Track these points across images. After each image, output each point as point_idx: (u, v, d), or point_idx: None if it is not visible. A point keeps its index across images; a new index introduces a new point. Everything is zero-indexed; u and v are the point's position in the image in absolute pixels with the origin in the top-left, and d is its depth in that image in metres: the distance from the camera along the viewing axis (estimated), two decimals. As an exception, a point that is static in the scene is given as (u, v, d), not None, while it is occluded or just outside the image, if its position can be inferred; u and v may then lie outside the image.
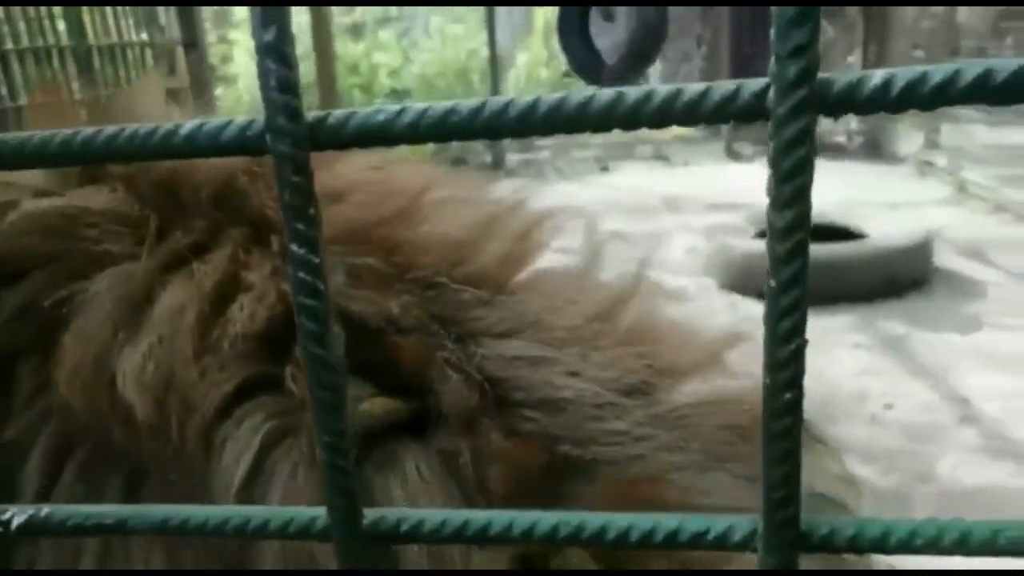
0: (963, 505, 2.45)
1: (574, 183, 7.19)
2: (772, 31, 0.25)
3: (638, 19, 4.06)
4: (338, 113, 0.23)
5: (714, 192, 6.03)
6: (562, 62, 7.09)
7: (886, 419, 2.94)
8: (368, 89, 10.25)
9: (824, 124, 6.43)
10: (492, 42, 7.36)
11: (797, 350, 0.21)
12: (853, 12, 7.04)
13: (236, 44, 10.80)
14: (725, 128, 6.49)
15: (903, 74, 0.26)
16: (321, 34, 5.74)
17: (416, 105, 0.23)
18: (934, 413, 2.95)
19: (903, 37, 6.09)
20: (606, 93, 0.24)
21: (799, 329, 0.21)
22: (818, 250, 4.09)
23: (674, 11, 8.65)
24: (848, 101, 0.26)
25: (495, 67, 7.38)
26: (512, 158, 7.75)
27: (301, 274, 0.22)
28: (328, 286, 0.22)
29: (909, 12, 6.14)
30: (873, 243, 4.21)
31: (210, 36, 10.78)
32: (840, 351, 3.49)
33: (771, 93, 0.25)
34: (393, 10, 11.03)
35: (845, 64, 7.44)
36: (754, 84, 0.25)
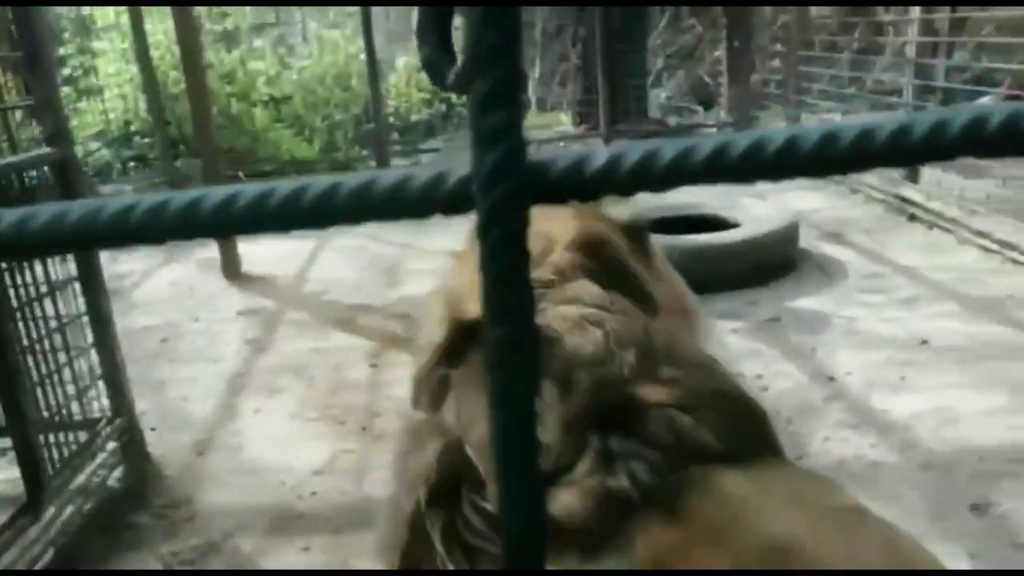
0: (832, 477, 2.60)
1: (460, 186, 7.19)
2: (469, 111, 0.23)
3: None
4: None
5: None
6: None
7: (763, 400, 3.07)
8: (244, 97, 9.90)
9: (697, 116, 6.59)
10: (370, 47, 7.26)
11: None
12: (716, 9, 7.34)
13: (100, 55, 10.19)
14: (602, 123, 6.63)
15: (631, 153, 0.23)
16: (188, 42, 5.48)
17: None
18: (804, 391, 3.11)
19: (763, 31, 6.41)
20: (286, 187, 0.22)
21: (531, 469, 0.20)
22: (695, 240, 4.25)
23: (553, 9, 8.77)
24: (566, 189, 0.23)
25: (374, 72, 7.29)
26: (396, 162, 7.68)
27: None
28: None
29: (767, 8, 6.46)
30: (745, 231, 4.41)
31: (68, 47, 10.12)
32: (719, 338, 3.64)
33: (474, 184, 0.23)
34: (269, 16, 10.69)
35: (713, 58, 7.77)
36: (458, 172, 0.24)
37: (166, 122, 8.36)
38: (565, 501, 0.71)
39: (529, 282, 0.23)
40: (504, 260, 0.22)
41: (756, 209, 4.72)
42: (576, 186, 0.23)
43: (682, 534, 0.69)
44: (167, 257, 5.82)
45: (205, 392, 3.29)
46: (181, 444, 2.85)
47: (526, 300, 0.24)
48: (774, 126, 6.46)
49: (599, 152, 0.24)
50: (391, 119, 8.41)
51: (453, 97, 8.25)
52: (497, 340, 0.23)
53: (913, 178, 4.46)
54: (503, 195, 0.22)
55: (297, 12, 10.80)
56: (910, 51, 4.25)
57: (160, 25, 8.52)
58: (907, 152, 0.26)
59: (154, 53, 8.38)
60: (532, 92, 8.41)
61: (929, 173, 4.48)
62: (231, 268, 5.12)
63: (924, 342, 3.32)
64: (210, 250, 5.26)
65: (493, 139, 0.22)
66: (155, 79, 8.18)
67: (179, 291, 4.90)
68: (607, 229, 1.08)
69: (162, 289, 5.01)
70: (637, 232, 1.15)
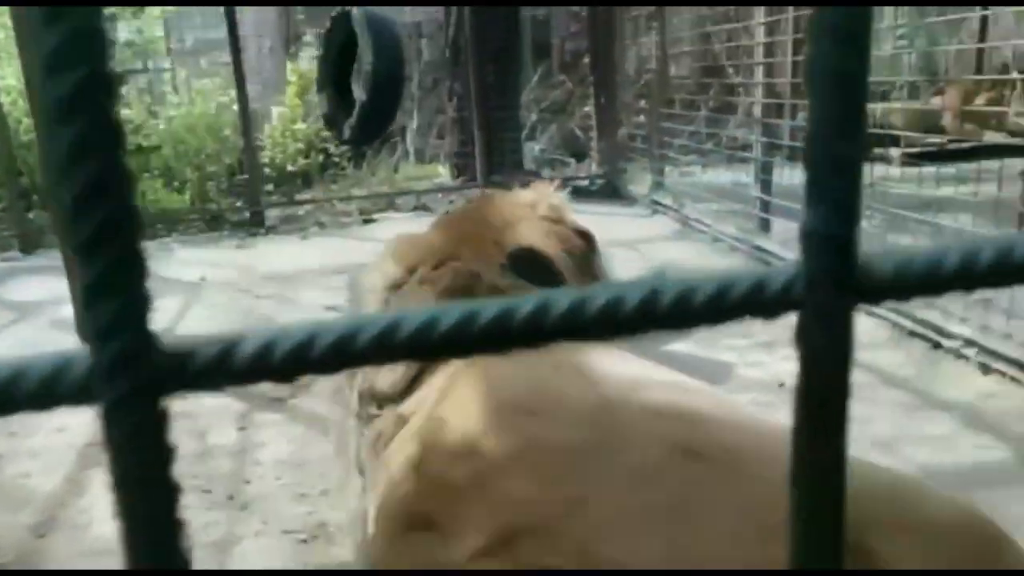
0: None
1: (337, 236, 7.08)
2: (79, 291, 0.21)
3: (369, 83, 4.14)
4: None
5: (475, 238, 6.19)
6: (317, 116, 7.08)
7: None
8: (109, 145, 9.46)
9: (569, 169, 6.78)
10: (242, 96, 7.11)
11: None
12: (584, 66, 7.66)
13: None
14: (479, 175, 6.74)
15: (287, 338, 0.21)
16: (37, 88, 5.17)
17: None
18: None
19: (627, 88, 6.72)
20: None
21: None
22: (568, 291, 4.35)
23: (429, 63, 8.90)
24: (210, 378, 0.21)
25: (247, 122, 7.13)
26: (272, 213, 7.50)
27: None
28: None
29: (631, 67, 6.79)
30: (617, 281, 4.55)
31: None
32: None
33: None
34: (136, 64, 10.31)
35: (583, 113, 8.07)
36: (83, 361, 0.22)
37: (18, 172, 7.84)
38: (387, 380, 0.97)
39: (171, 481, 0.22)
40: (133, 461, 0.21)
41: (626, 258, 4.89)
42: (222, 374, 0.21)
43: (468, 364, 0.91)
44: (17, 316, 5.42)
45: (50, 466, 3.05)
46: (18, 526, 2.61)
47: (166, 504, 0.22)
48: (640, 178, 6.75)
49: (251, 337, 0.21)
50: (267, 169, 8.23)
51: (331, 147, 8.18)
52: (132, 552, 0.22)
53: (765, 228, 4.76)
54: (129, 391, 0.20)
55: (166, 59, 10.47)
56: (757, 111, 4.57)
57: (10, 68, 8.04)
58: (691, 317, 0.28)
59: (4, 99, 7.89)
60: (410, 143, 8.45)
61: (780, 224, 4.79)
62: (87, 329, 4.80)
63: (781, 384, 3.50)
64: (65, 308, 4.93)
65: (109, 332, 0.20)
66: (6, 125, 7.68)
67: (27, 353, 4.54)
68: (559, 228, 1.54)
69: (6, 351, 4.64)
70: (587, 235, 1.64)
